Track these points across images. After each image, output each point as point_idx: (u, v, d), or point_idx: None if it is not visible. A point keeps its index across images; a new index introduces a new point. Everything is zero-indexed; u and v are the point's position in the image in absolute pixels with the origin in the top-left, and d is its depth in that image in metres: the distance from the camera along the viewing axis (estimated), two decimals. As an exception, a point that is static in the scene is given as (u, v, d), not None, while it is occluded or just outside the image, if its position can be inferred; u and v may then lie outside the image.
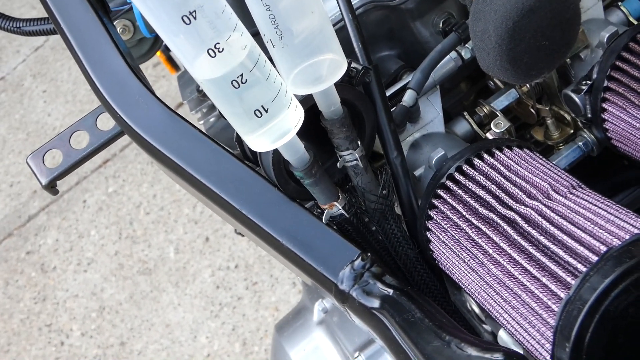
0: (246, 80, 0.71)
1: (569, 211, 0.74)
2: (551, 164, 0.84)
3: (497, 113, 0.99)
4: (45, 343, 2.64)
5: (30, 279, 2.81)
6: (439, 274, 0.92)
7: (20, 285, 2.80)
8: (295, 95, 0.76)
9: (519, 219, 0.76)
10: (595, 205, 0.75)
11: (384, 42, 1.09)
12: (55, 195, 1.10)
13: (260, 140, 0.76)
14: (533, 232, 0.75)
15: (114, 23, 1.11)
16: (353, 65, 0.88)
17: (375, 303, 0.78)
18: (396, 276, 0.83)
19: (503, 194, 0.80)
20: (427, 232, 0.87)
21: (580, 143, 0.98)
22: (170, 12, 0.66)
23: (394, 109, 0.94)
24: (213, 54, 0.69)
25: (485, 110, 1.02)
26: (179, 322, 2.53)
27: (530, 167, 0.82)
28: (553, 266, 0.71)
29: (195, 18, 0.66)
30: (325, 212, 0.88)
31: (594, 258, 0.69)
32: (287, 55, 0.75)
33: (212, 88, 0.72)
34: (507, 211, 0.78)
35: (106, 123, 1.05)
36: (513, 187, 0.80)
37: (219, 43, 0.68)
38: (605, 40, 0.92)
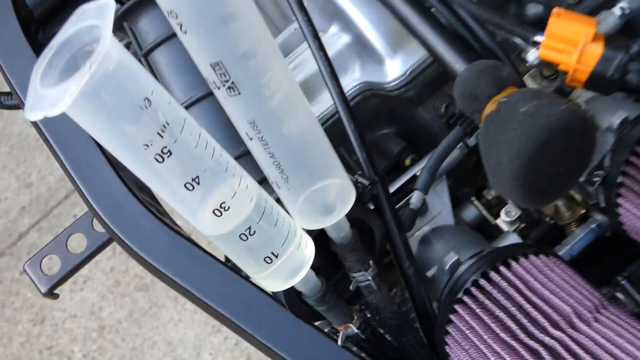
0: (254, 232, 0.68)
1: (595, 346, 0.72)
2: (570, 273, 0.82)
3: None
4: (47, 366, 2.63)
5: (26, 300, 2.78)
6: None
7: (17, 307, 2.77)
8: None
9: (543, 352, 0.74)
10: (621, 335, 0.73)
11: (383, 121, 1.06)
12: (56, 299, 1.07)
13: (271, 281, 0.74)
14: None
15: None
16: (359, 180, 0.85)
17: None
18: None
19: (524, 320, 0.77)
20: (446, 347, 0.85)
21: (594, 225, 0.95)
22: (172, 180, 0.62)
23: (401, 210, 0.91)
24: (219, 214, 0.65)
25: (492, 192, 0.99)
26: (180, 339, 2.52)
27: (549, 282, 0.80)
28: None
29: (198, 183, 0.63)
30: (341, 333, 0.85)
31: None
32: (293, 193, 0.72)
33: (218, 242, 0.69)
34: (530, 340, 0.76)
35: (103, 223, 1.01)
36: (534, 311, 0.77)
37: (224, 202, 0.65)
38: (615, 127, 0.88)
